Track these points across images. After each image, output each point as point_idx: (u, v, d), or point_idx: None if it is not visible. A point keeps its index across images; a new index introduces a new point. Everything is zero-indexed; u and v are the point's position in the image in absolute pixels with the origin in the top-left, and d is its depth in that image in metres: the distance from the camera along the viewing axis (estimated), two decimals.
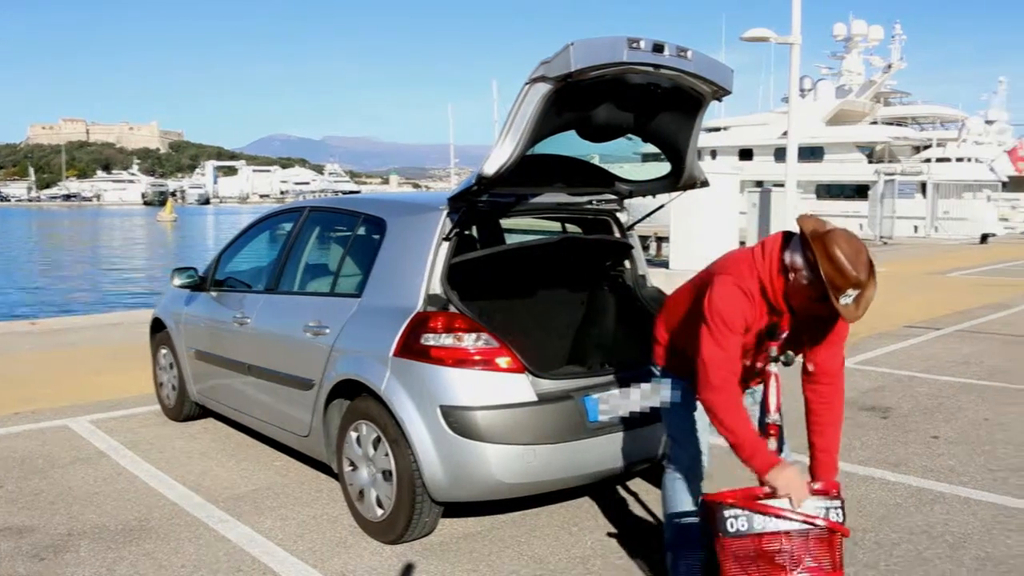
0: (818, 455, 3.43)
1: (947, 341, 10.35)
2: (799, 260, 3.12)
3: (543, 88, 3.80)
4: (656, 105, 4.37)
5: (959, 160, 42.12)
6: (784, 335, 3.34)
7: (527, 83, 3.83)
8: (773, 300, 3.25)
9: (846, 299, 3.04)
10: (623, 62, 3.87)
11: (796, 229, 3.24)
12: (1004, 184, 42.38)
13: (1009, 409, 6.97)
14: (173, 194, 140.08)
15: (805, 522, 3.09)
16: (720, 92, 4.32)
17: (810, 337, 3.39)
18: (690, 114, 4.51)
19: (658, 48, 3.95)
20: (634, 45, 3.85)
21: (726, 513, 3.13)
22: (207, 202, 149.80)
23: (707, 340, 3.26)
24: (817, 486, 3.20)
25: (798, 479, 3.11)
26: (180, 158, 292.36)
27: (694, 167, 4.80)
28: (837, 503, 3.16)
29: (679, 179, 4.85)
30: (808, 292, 3.13)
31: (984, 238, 33.50)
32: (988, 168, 41.71)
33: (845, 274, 3.00)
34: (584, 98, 4.08)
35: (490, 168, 3.94)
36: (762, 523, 3.10)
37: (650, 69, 4.01)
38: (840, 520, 3.14)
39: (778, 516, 3.10)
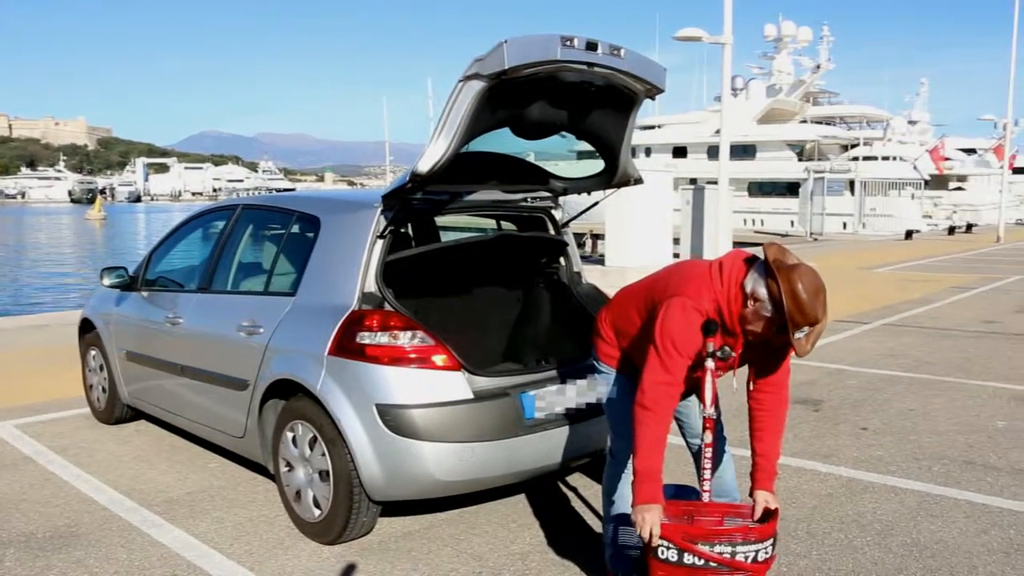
0: (757, 460, 3.50)
1: (875, 335, 10.63)
2: (762, 291, 3.18)
3: (477, 86, 3.81)
4: (590, 103, 4.41)
5: (885, 159, 43.28)
6: (733, 354, 3.40)
7: (461, 80, 3.83)
8: (729, 323, 3.30)
9: (800, 334, 3.13)
10: (557, 60, 3.90)
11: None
12: (926, 182, 43.63)
13: (933, 400, 7.19)
14: (102, 192, 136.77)
15: (733, 567, 3.23)
16: (653, 90, 4.37)
17: (759, 358, 3.47)
18: (624, 112, 4.56)
19: (591, 46, 3.98)
20: (568, 43, 3.88)
21: (656, 542, 3.23)
22: (138, 200, 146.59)
23: (654, 362, 3.29)
24: (753, 525, 3.35)
25: (655, 526, 3.18)
26: (109, 155, 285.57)
27: (628, 165, 4.86)
28: (768, 543, 3.27)
29: (613, 176, 4.90)
30: (766, 323, 3.20)
31: (909, 234, 34.44)
32: (912, 167, 42.90)
33: (805, 312, 3.08)
34: (518, 95, 4.10)
35: (424, 166, 3.94)
36: (691, 559, 3.23)
37: (584, 67, 4.04)
38: (767, 556, 3.25)
39: (706, 559, 3.22)
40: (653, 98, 4.46)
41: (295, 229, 4.99)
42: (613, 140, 4.74)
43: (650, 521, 3.17)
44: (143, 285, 6.01)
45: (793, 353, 3.28)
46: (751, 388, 3.53)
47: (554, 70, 3.95)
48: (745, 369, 3.56)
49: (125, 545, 4.31)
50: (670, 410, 3.33)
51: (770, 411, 3.50)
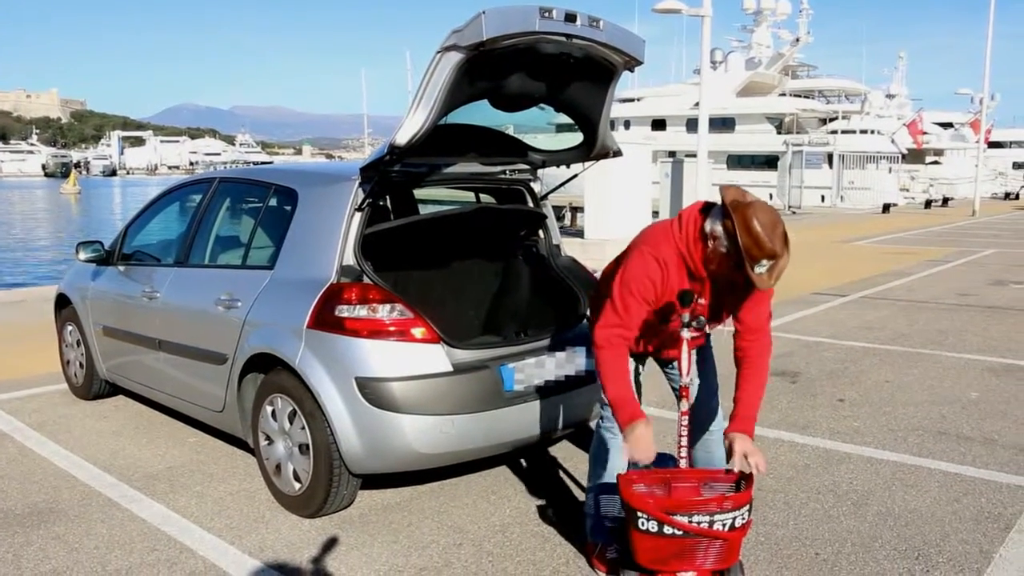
0: (736, 407, 3.55)
1: (852, 307, 10.72)
2: (719, 229, 3.24)
3: (455, 57, 3.78)
4: (569, 75, 4.39)
5: (863, 132, 43.41)
6: (701, 301, 3.44)
7: (438, 52, 3.81)
8: (692, 267, 3.37)
9: (760, 268, 3.16)
10: (535, 31, 3.88)
11: (716, 198, 3.34)
12: (904, 156, 43.84)
13: (909, 371, 7.27)
14: (77, 165, 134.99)
15: (711, 535, 3.29)
16: (632, 62, 4.36)
17: (731, 302, 3.52)
18: (602, 84, 4.55)
19: (570, 18, 3.96)
20: (546, 14, 3.86)
21: (638, 513, 3.31)
22: (113, 174, 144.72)
23: (607, 309, 3.44)
24: (730, 493, 3.41)
25: (645, 440, 3.33)
26: (83, 128, 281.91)
27: (607, 137, 4.85)
28: (744, 509, 3.33)
29: (592, 149, 4.89)
30: (725, 260, 3.26)
31: (886, 207, 34.65)
32: (889, 140, 43.09)
33: (761, 245, 3.11)
34: (496, 67, 4.07)
35: (402, 138, 3.92)
36: (670, 530, 3.30)
37: (562, 39, 4.02)
38: (744, 522, 3.32)
39: (685, 530, 3.29)
40: (632, 70, 4.45)
41: (272, 202, 4.96)
42: (592, 112, 4.73)
43: (640, 435, 3.31)
44: (119, 259, 5.96)
45: (769, 300, 3.34)
46: (734, 334, 3.60)
47: (532, 41, 3.93)
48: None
49: (105, 520, 4.30)
50: (624, 348, 3.46)
51: (749, 358, 3.57)
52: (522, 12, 3.83)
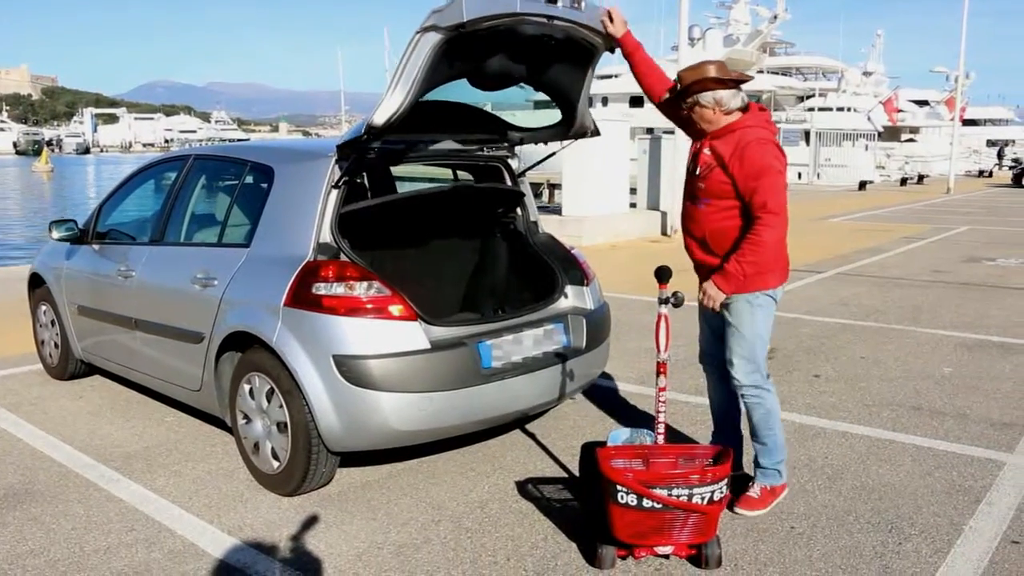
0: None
1: (828, 284, 10.80)
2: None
3: (434, 38, 3.76)
4: (549, 55, 4.38)
5: (839, 110, 43.58)
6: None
7: (418, 32, 3.78)
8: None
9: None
10: (516, 13, 3.86)
11: (687, 150, 3.58)
12: (880, 133, 44.04)
13: (884, 347, 7.34)
14: (49, 143, 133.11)
15: (690, 509, 3.34)
16: (612, 43, 4.35)
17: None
18: (582, 64, 4.54)
19: None
20: None
21: (618, 486, 3.34)
22: (87, 151, 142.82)
23: (768, 192, 3.77)
24: (709, 466, 3.52)
25: None
26: (55, 105, 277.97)
27: (585, 116, 4.84)
28: (723, 483, 3.39)
29: (570, 128, 4.89)
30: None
31: (862, 185, 34.84)
32: (866, 118, 43.25)
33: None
34: (476, 47, 4.05)
35: (380, 118, 3.90)
36: (649, 504, 3.34)
37: (544, 20, 4.01)
38: (722, 495, 3.40)
39: (665, 503, 3.32)
40: (612, 51, 4.44)
41: (248, 180, 4.92)
42: (571, 92, 4.72)
43: None
44: (94, 238, 5.90)
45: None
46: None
47: (513, 23, 3.92)
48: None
49: (82, 501, 4.28)
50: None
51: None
52: None
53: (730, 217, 3.83)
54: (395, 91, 3.87)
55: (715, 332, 4.17)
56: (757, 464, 4.12)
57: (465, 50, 3.98)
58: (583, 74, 4.62)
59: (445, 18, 3.72)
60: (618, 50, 4.39)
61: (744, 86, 3.87)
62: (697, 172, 3.92)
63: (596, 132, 4.96)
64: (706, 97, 3.81)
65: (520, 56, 4.37)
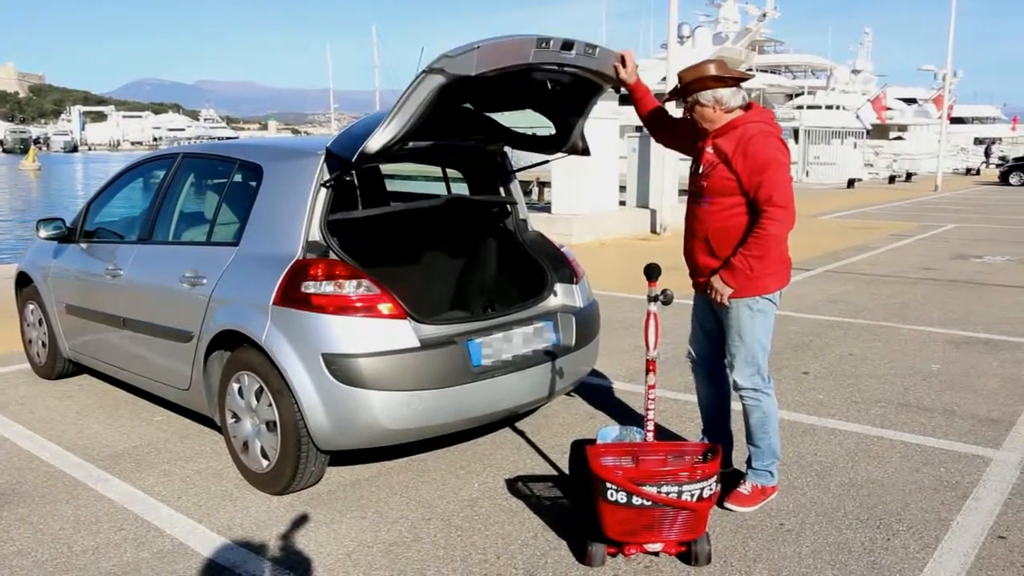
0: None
1: (816, 281, 10.83)
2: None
3: (439, 79, 3.77)
4: (555, 92, 4.40)
5: (828, 108, 43.69)
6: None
7: (424, 72, 3.78)
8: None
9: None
10: (529, 64, 3.89)
11: (686, 172, 3.55)
12: (868, 131, 44.18)
13: (872, 345, 7.37)
14: (36, 141, 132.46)
15: (680, 506, 3.35)
16: (620, 84, 4.35)
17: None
18: (586, 97, 4.56)
19: (567, 46, 3.97)
20: (543, 45, 3.87)
21: (607, 484, 3.36)
22: (75, 149, 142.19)
23: (775, 184, 3.82)
24: (698, 464, 3.54)
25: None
26: (43, 103, 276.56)
27: (579, 137, 4.85)
28: (712, 480, 3.41)
29: (563, 144, 4.90)
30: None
31: (851, 183, 34.94)
32: (854, 116, 43.40)
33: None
34: (481, 84, 4.04)
35: (374, 145, 3.94)
36: (639, 501, 3.35)
37: (554, 67, 4.03)
38: (712, 492, 3.42)
39: (654, 500, 3.34)
40: (618, 91, 4.43)
41: (237, 178, 4.91)
42: (571, 118, 4.75)
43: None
44: (81, 237, 5.88)
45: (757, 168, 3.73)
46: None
47: (524, 69, 3.94)
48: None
49: (70, 501, 4.26)
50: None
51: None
52: (518, 45, 3.84)
53: (735, 215, 3.83)
54: (392, 123, 3.90)
55: (708, 335, 4.18)
56: (749, 464, 4.14)
57: (470, 88, 4.01)
58: (584, 104, 4.63)
59: (455, 66, 3.74)
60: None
61: None
62: (700, 171, 3.92)
63: (586, 151, 4.95)
64: (706, 96, 3.81)
65: (524, 91, 4.39)
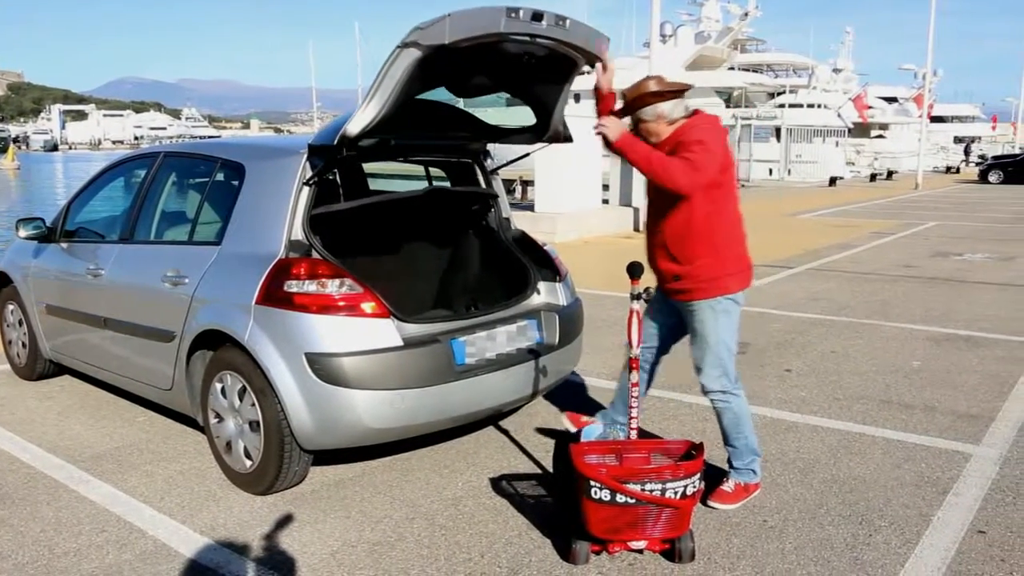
0: None
1: (799, 279, 10.89)
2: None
3: (414, 54, 3.76)
4: (529, 68, 4.39)
5: (810, 106, 43.88)
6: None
7: (398, 47, 3.77)
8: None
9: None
10: (500, 33, 3.88)
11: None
12: (849, 130, 44.43)
13: (854, 342, 7.42)
14: (15, 140, 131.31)
15: (663, 503, 3.36)
16: (594, 59, 4.35)
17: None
18: (562, 76, 4.56)
19: (537, 17, 3.96)
20: (513, 15, 3.86)
21: (591, 482, 3.36)
22: (55, 148, 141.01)
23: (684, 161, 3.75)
24: (681, 462, 3.54)
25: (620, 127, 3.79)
26: (22, 101, 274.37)
27: (560, 123, 4.86)
28: (696, 477, 3.42)
29: (544, 133, 4.90)
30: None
31: (833, 181, 35.13)
32: (836, 114, 43.62)
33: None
34: (456, 61, 4.05)
35: (354, 128, 3.92)
36: (623, 499, 3.36)
37: (527, 39, 4.03)
38: (695, 489, 3.44)
39: (638, 498, 3.35)
40: (593, 66, 4.45)
41: (219, 177, 4.89)
42: (549, 101, 4.75)
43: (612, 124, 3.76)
44: (62, 236, 5.84)
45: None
46: None
47: (496, 40, 3.93)
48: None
49: (51, 503, 4.23)
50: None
51: None
52: (488, 14, 3.83)
53: (685, 217, 3.83)
54: (371, 103, 3.88)
55: (661, 328, 4.21)
56: (731, 464, 4.16)
57: (445, 63, 3.99)
58: (562, 85, 4.63)
59: (427, 37, 3.72)
60: None
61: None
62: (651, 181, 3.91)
63: (568, 138, 4.96)
64: (647, 112, 3.85)
65: (500, 68, 4.38)
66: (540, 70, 4.44)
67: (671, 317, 4.15)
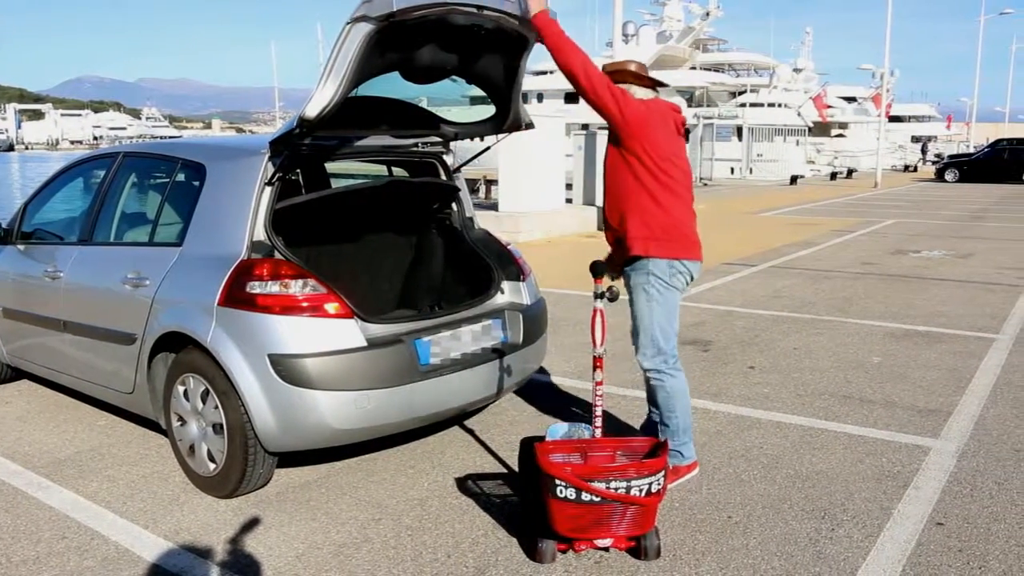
0: None
1: (761, 277, 10.99)
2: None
3: (365, 28, 3.74)
4: (481, 47, 4.38)
5: (771, 106, 44.36)
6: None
7: (348, 23, 3.76)
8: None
9: None
10: (446, 2, 3.86)
11: None
12: (810, 129, 44.94)
13: (816, 339, 7.51)
14: None
15: (628, 501, 3.38)
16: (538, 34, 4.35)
17: None
18: (515, 56, 4.55)
19: None
20: None
21: (556, 481, 3.38)
22: (11, 149, 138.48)
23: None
24: (645, 460, 3.59)
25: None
26: None
27: (519, 110, 4.86)
28: (660, 475, 3.44)
29: (504, 122, 4.90)
30: None
31: (794, 179, 35.52)
32: (796, 114, 44.11)
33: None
34: (408, 39, 4.04)
35: (312, 110, 3.86)
36: (588, 497, 3.37)
37: (473, 10, 4.01)
38: (660, 487, 3.45)
39: (604, 496, 3.37)
40: (543, 42, 4.46)
41: (180, 177, 4.83)
42: (504, 85, 4.73)
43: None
44: (18, 238, 5.75)
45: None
46: None
47: (444, 12, 3.91)
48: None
49: (9, 510, 4.16)
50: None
51: None
52: None
53: (617, 186, 4.14)
54: (327, 83, 3.84)
55: None
56: None
57: (396, 41, 3.97)
58: (515, 66, 4.63)
59: (375, 8, 3.71)
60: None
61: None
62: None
63: (530, 125, 4.98)
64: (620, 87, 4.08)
65: (452, 47, 4.36)
66: (492, 49, 4.44)
67: None
